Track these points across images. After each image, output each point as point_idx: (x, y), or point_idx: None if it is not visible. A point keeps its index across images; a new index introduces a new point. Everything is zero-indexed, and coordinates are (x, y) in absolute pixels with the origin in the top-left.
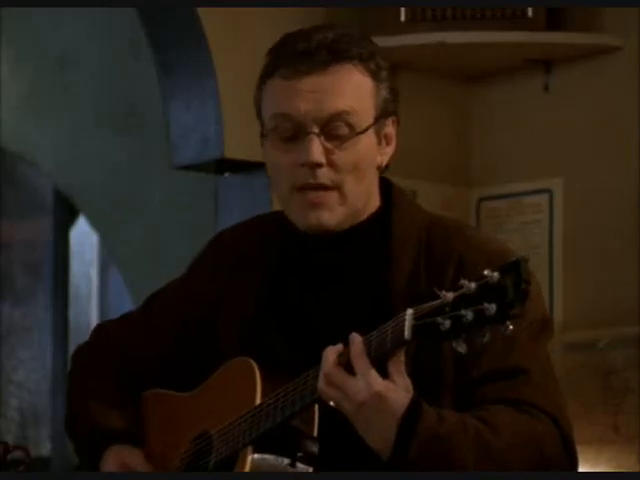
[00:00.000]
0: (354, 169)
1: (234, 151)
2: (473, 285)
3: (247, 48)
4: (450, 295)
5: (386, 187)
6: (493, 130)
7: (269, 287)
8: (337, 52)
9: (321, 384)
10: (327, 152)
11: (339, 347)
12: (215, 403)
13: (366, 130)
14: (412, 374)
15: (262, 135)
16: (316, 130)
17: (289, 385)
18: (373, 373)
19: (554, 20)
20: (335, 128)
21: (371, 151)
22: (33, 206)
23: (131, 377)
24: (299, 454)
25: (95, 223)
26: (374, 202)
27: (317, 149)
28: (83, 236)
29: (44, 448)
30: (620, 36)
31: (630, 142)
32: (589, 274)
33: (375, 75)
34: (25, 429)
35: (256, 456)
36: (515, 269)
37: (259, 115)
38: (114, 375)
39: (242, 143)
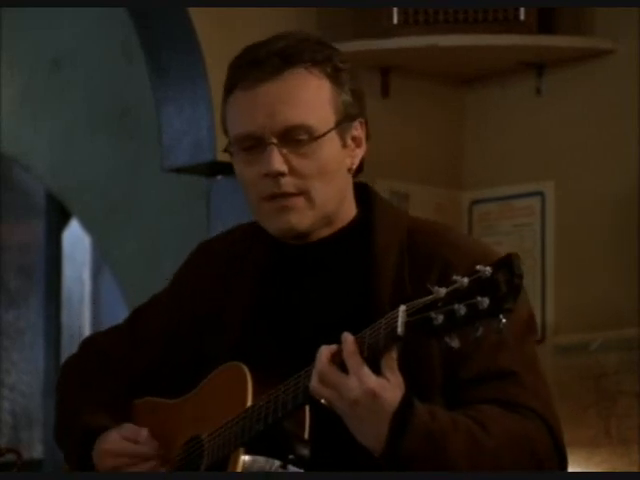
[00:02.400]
0: (319, 174)
1: (226, 154)
2: (466, 280)
3: (239, 51)
4: (443, 290)
5: (364, 192)
6: (485, 133)
7: (254, 295)
8: (288, 57)
9: (314, 382)
10: (288, 160)
11: (333, 347)
12: (206, 408)
13: (324, 135)
14: (402, 376)
15: (226, 150)
16: (274, 140)
17: (280, 387)
18: (366, 371)
19: (546, 23)
20: (293, 136)
21: (335, 155)
22: (26, 209)
23: (120, 387)
24: (290, 456)
25: (88, 226)
26: (350, 206)
27: (277, 159)
28: (76, 239)
29: (36, 451)
30: (612, 39)
31: (622, 145)
32: (581, 277)
33: (333, 78)
34: (17, 432)
35: (247, 458)
36: (507, 264)
37: (226, 132)
38: (103, 385)
39: None
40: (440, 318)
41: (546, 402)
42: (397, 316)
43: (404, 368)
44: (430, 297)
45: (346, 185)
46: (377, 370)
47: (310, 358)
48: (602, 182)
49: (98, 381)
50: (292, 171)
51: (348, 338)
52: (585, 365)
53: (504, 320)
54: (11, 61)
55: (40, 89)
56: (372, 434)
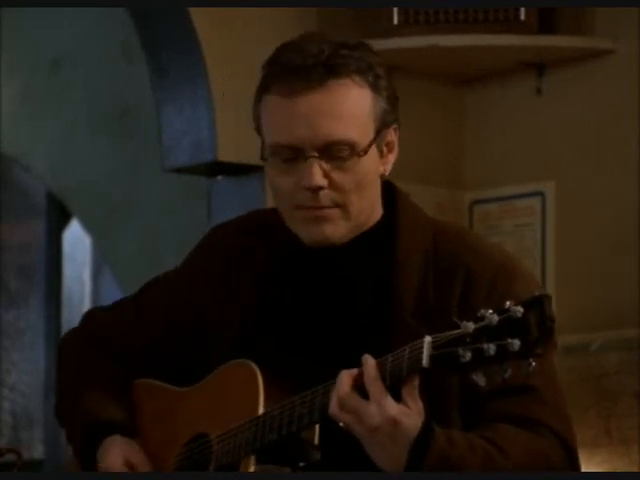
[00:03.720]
0: (357, 188)
1: (227, 154)
2: (495, 317)
3: (240, 51)
4: (471, 325)
5: (389, 191)
6: (486, 133)
7: (265, 291)
8: (333, 67)
9: (334, 407)
10: (328, 174)
11: (354, 371)
12: (213, 405)
13: (368, 148)
14: (420, 390)
15: (262, 158)
16: (315, 154)
17: (295, 399)
18: (387, 398)
19: (547, 23)
20: (335, 151)
21: (374, 166)
22: (26, 209)
23: (121, 365)
24: (301, 464)
25: (88, 226)
26: (377, 209)
27: (317, 173)
28: (76, 239)
29: (37, 451)
30: (612, 39)
31: (622, 145)
32: (581, 277)
33: (374, 87)
34: (18, 432)
35: (259, 467)
36: (539, 305)
37: (259, 131)
38: (105, 363)
39: (235, 146)
40: (467, 355)
41: (564, 419)
42: (422, 347)
43: (423, 382)
44: (457, 331)
45: (377, 191)
46: (397, 395)
47: (322, 362)
48: (603, 182)
49: (100, 359)
50: (331, 185)
51: (369, 362)
52: (585, 365)
53: (534, 364)
54: (11, 61)
55: (40, 89)
56: (391, 459)
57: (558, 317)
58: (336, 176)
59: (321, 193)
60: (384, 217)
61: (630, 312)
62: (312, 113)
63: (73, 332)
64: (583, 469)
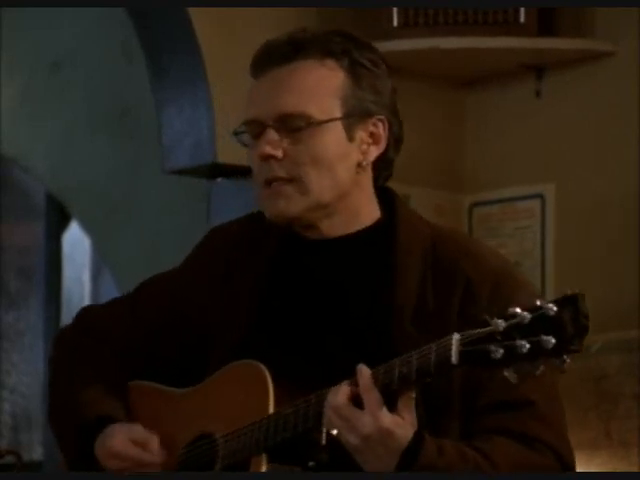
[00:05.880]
0: (312, 161)
1: (227, 156)
2: (527, 315)
3: (239, 52)
4: (501, 323)
5: (387, 196)
6: (485, 135)
7: (264, 291)
8: (300, 47)
9: (328, 415)
10: (283, 145)
11: (348, 388)
12: (218, 405)
13: (322, 123)
14: (421, 398)
15: (235, 133)
16: (271, 123)
17: (310, 397)
18: (382, 408)
19: (546, 26)
20: (289, 122)
21: (335, 145)
22: (26, 210)
23: (117, 363)
24: (311, 463)
25: (88, 227)
26: (373, 208)
27: (268, 141)
28: (76, 240)
29: (36, 453)
30: (612, 41)
31: (622, 147)
32: (581, 278)
33: (349, 72)
34: (17, 433)
35: (270, 467)
36: (573, 302)
37: None
38: (101, 360)
39: (235, 148)
40: (500, 352)
41: (561, 434)
42: (451, 344)
43: (424, 391)
44: (487, 329)
45: (350, 179)
46: (392, 403)
47: (321, 364)
48: (602, 184)
49: (95, 358)
50: (286, 156)
51: (364, 372)
52: (585, 367)
53: (568, 360)
54: (11, 62)
55: (40, 90)
56: (380, 467)
57: None
58: (290, 148)
59: (274, 163)
60: (382, 220)
61: (630, 314)
62: (272, 87)
63: (68, 328)
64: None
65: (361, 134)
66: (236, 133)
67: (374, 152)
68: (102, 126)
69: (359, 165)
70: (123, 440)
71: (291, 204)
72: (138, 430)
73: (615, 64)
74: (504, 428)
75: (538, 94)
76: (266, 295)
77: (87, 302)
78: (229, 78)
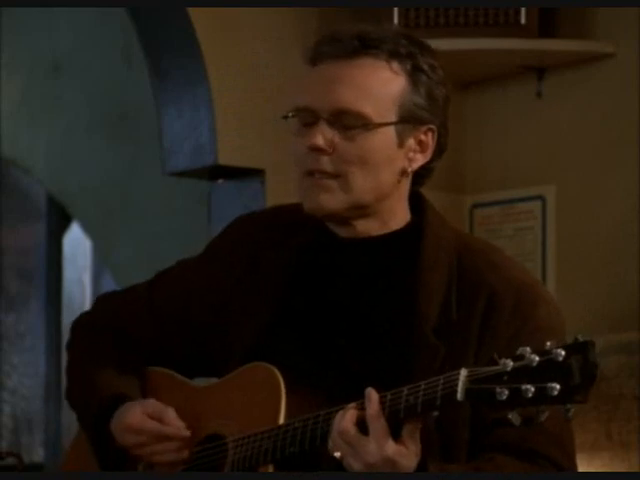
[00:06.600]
0: (360, 161)
1: (227, 158)
2: (536, 358)
3: (240, 54)
4: (510, 363)
5: (418, 201)
6: (486, 137)
7: (289, 285)
8: (368, 42)
9: (334, 438)
10: (334, 140)
11: (355, 412)
12: (232, 406)
13: (378, 127)
14: (434, 427)
15: (285, 116)
16: (326, 116)
17: (319, 413)
18: (387, 436)
19: (547, 27)
20: (345, 119)
21: (385, 149)
22: (26, 212)
23: (133, 351)
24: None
25: (88, 229)
26: (405, 212)
27: (322, 134)
28: (76, 242)
29: (37, 454)
30: (612, 43)
31: (623, 148)
32: (582, 280)
33: (410, 77)
34: (18, 435)
35: None
36: (582, 350)
37: None
38: (116, 347)
39: (235, 149)
40: (505, 394)
41: (566, 450)
42: (458, 379)
43: (437, 420)
44: (495, 368)
45: (393, 183)
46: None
47: (341, 368)
48: (603, 186)
49: (111, 344)
50: (335, 152)
51: (373, 397)
52: None
53: (572, 410)
54: (11, 64)
55: (40, 92)
56: None
57: None
58: (341, 144)
59: (323, 157)
60: (411, 224)
61: (630, 316)
62: (332, 79)
63: (85, 316)
64: None
65: (410, 141)
66: (285, 117)
67: (420, 160)
68: (102, 128)
69: (403, 171)
70: (139, 414)
71: (332, 199)
72: (153, 404)
73: (616, 65)
74: (510, 444)
75: (539, 95)
76: (290, 288)
77: (88, 304)
78: (230, 79)
